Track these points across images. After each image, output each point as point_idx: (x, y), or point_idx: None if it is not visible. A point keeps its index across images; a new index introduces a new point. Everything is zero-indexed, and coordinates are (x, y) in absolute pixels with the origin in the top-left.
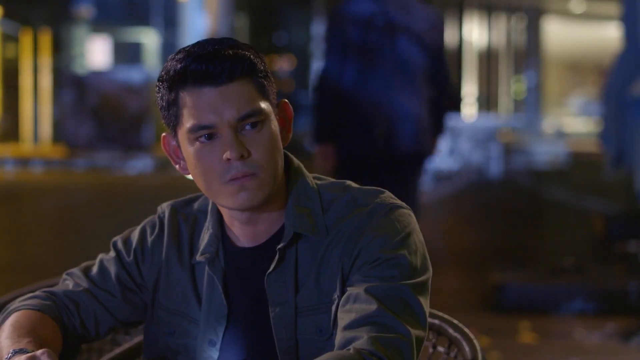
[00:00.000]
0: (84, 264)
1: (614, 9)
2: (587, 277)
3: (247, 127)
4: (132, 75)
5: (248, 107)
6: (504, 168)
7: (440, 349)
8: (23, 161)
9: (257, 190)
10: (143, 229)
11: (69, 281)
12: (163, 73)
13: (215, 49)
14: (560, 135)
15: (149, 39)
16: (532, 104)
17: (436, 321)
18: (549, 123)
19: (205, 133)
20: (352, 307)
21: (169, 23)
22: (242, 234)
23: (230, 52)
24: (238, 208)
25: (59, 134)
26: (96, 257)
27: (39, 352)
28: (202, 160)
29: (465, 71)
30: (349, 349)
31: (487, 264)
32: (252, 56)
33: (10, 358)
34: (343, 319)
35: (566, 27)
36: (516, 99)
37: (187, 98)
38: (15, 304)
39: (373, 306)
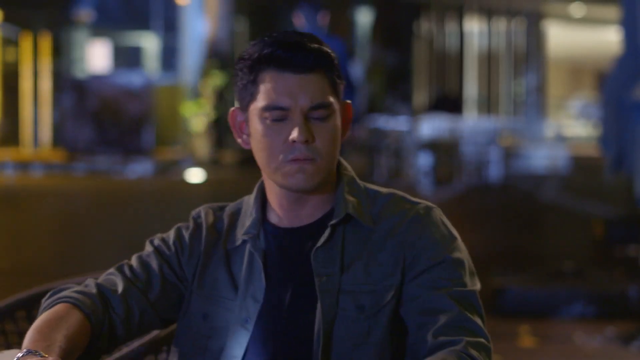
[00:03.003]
0: (118, 264)
1: (613, 13)
2: (587, 281)
3: (316, 116)
4: (132, 79)
5: (321, 99)
6: (504, 171)
7: None
8: (23, 165)
9: (314, 174)
10: (177, 228)
11: (115, 277)
12: (246, 55)
13: (304, 40)
14: (561, 139)
15: (149, 43)
16: (532, 107)
17: None
18: (549, 126)
19: (279, 114)
20: (434, 309)
21: (169, 27)
22: (285, 216)
23: (315, 45)
24: (292, 188)
25: (59, 138)
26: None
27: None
28: (269, 137)
29: (466, 74)
30: (451, 350)
31: (487, 267)
32: (332, 54)
33: (22, 357)
34: (429, 323)
35: (566, 31)
36: (516, 102)
37: (267, 79)
38: (68, 292)
39: (455, 310)
